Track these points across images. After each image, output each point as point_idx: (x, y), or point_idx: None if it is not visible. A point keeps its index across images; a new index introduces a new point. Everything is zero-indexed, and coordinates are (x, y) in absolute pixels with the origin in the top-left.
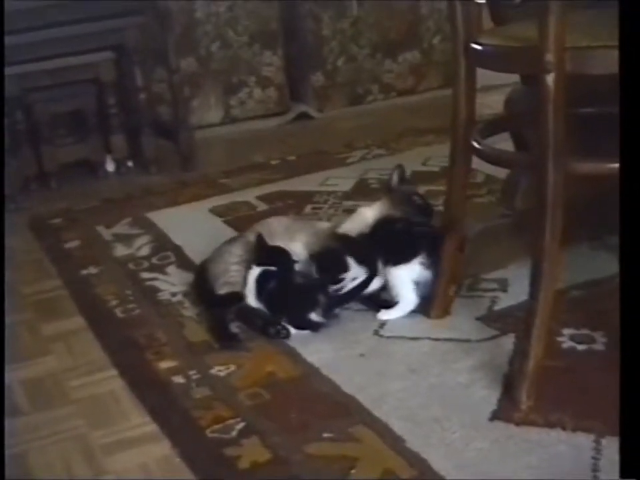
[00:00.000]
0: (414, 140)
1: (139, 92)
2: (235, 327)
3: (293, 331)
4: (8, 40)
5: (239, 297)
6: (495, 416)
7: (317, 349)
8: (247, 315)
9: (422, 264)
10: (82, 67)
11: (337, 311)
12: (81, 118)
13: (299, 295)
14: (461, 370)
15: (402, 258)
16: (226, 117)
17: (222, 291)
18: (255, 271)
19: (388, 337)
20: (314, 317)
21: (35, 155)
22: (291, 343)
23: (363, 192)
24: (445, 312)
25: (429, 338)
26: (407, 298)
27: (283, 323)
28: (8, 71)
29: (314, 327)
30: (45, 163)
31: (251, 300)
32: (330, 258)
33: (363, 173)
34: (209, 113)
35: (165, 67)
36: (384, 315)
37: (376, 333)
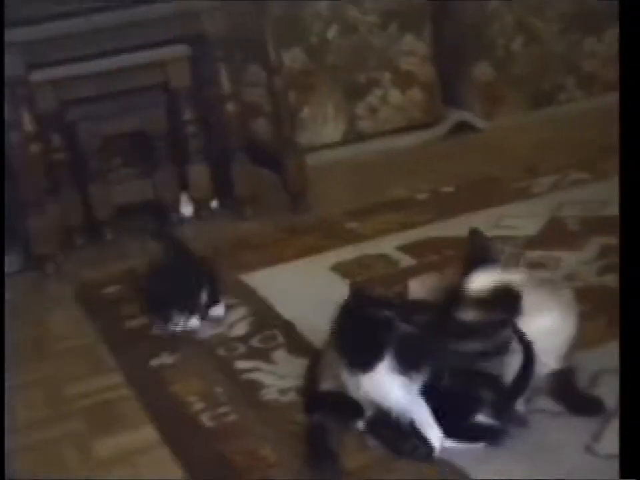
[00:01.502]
0: None
1: (225, 101)
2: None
3: (453, 444)
4: (34, 32)
5: (349, 397)
6: None
7: (498, 471)
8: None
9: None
10: (144, 68)
11: (523, 412)
12: (144, 142)
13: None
14: None
15: None
16: (350, 133)
17: (325, 386)
18: None
19: (606, 456)
20: (482, 420)
21: (80, 196)
22: (460, 462)
23: (556, 236)
24: None
25: None
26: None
27: (427, 436)
28: (39, 76)
29: (485, 435)
30: (96, 207)
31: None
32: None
33: (555, 208)
34: (326, 127)
35: (262, 63)
36: None
37: (588, 449)
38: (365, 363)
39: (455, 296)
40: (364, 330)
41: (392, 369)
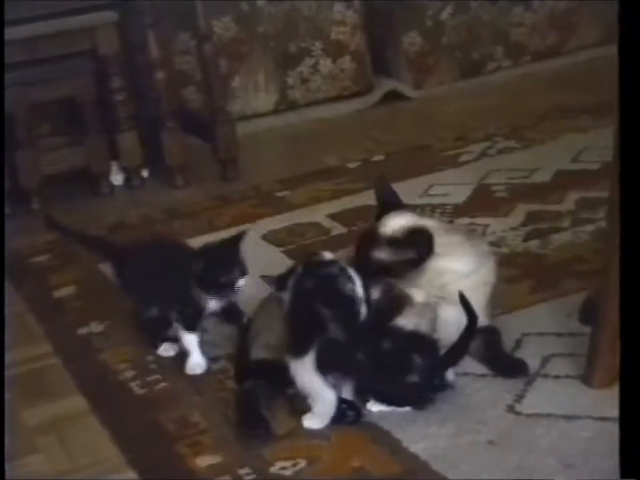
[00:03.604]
0: (560, 125)
1: (155, 69)
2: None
3: (382, 407)
4: None
5: (278, 366)
6: None
7: (423, 433)
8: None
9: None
10: (72, 33)
11: (451, 377)
12: (73, 109)
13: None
14: None
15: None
16: (281, 102)
17: (257, 355)
18: None
19: (529, 415)
20: (413, 382)
21: (8, 164)
22: (385, 425)
23: (484, 204)
24: (613, 378)
25: (590, 417)
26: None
27: (351, 400)
28: None
29: (414, 399)
30: (23, 176)
31: None
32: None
33: (483, 176)
34: (257, 96)
35: (192, 31)
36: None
37: (511, 409)
38: (296, 349)
39: (370, 236)
40: (303, 318)
41: (314, 365)
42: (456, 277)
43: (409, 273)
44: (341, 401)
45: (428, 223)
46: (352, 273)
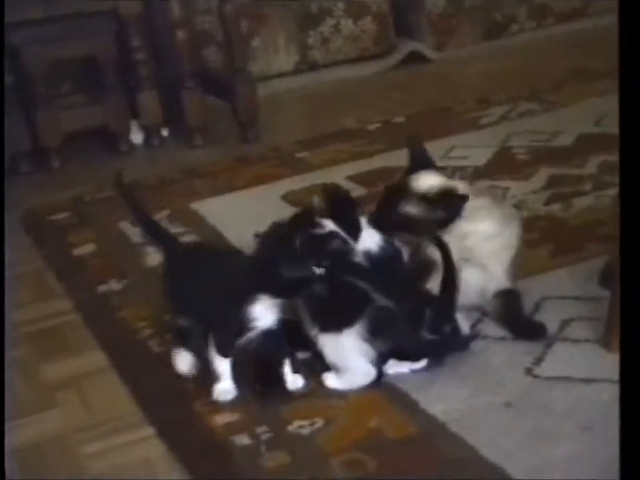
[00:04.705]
0: (582, 88)
1: (175, 28)
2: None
3: (399, 369)
4: None
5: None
6: None
7: (441, 395)
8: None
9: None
10: None
11: (465, 329)
12: (93, 68)
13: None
14: None
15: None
16: (302, 63)
17: None
18: None
19: (547, 378)
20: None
21: (27, 122)
22: (403, 387)
23: (505, 166)
24: None
25: (609, 380)
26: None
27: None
28: None
29: (428, 352)
30: (43, 134)
31: None
32: None
33: (505, 139)
34: (278, 57)
35: None
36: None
37: (529, 371)
38: (341, 323)
39: (400, 189)
40: (339, 296)
41: (363, 336)
42: (479, 239)
43: (434, 231)
44: None
45: (458, 184)
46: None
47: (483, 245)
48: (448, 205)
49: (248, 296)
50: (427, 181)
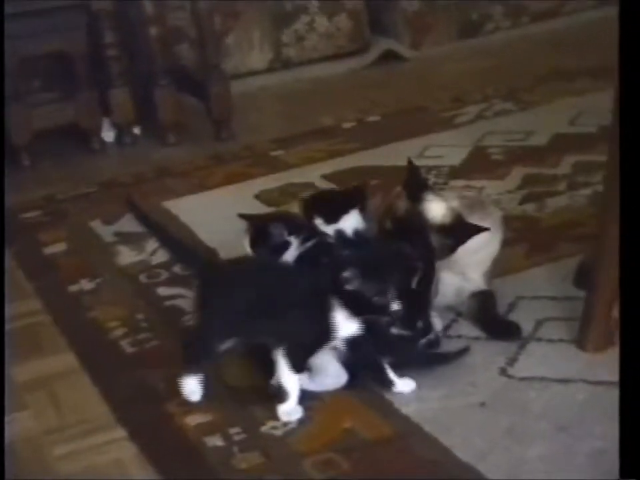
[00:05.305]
0: (557, 87)
1: (148, 25)
2: None
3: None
4: None
5: None
6: None
7: (415, 396)
8: None
9: None
10: None
11: (438, 326)
12: (64, 64)
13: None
14: None
15: None
16: (276, 60)
17: None
18: None
19: (521, 379)
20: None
21: None
22: (377, 387)
23: (480, 166)
24: (607, 342)
25: (584, 380)
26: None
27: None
28: None
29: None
30: (13, 132)
31: None
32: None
33: (479, 138)
34: (252, 54)
35: None
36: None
37: (503, 372)
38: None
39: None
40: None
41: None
42: (467, 254)
43: (445, 256)
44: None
45: (454, 204)
46: None
47: (469, 258)
48: (460, 234)
49: (325, 308)
50: (438, 211)
